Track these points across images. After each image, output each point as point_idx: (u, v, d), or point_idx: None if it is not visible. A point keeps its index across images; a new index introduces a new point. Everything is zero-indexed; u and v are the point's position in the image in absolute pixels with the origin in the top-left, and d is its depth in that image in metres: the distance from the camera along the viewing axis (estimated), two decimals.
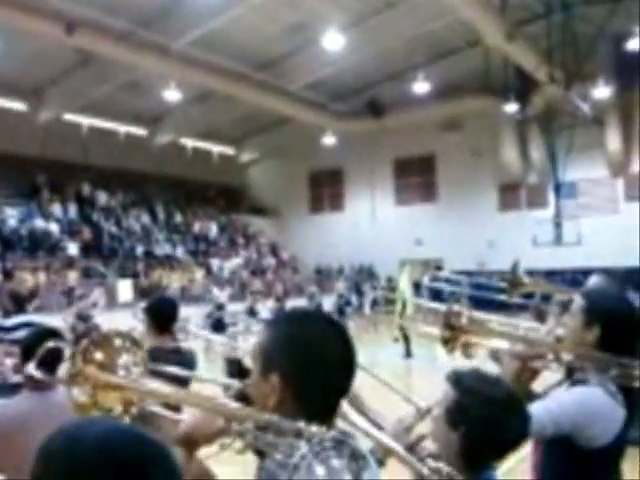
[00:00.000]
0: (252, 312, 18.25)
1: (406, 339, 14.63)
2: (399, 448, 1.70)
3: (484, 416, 1.71)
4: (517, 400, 1.80)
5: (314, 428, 1.25)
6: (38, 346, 3.06)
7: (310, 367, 1.38)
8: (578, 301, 2.42)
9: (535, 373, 2.41)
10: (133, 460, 0.87)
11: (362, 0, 19.60)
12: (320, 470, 1.07)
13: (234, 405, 1.46)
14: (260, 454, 1.78)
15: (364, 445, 1.63)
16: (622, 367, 2.25)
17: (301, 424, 1.27)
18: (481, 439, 1.73)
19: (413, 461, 1.63)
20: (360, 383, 2.56)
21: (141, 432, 0.94)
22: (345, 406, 1.83)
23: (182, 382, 2.51)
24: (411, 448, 1.80)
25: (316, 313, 1.58)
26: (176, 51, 20.25)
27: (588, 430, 2.19)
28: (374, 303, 25.38)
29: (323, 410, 1.39)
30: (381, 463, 1.82)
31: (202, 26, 19.25)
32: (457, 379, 1.84)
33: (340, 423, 1.60)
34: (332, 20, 19.05)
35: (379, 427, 1.91)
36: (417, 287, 21.92)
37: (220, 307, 15.77)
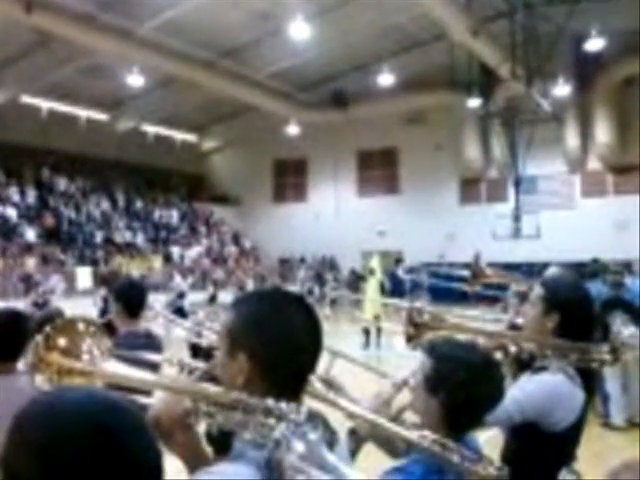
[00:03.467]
0: (213, 300, 18.22)
1: (378, 330, 14.31)
2: (382, 420, 1.72)
3: (462, 380, 1.77)
4: (492, 362, 1.88)
5: (284, 405, 1.26)
6: (3, 328, 3.02)
7: (277, 345, 1.39)
8: (537, 290, 2.49)
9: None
10: (112, 423, 0.87)
11: None
12: (300, 446, 1.09)
13: (202, 385, 1.47)
14: (216, 447, 1.78)
15: (341, 428, 1.66)
16: (580, 352, 2.34)
17: (270, 402, 1.27)
18: (461, 402, 1.78)
19: (399, 430, 1.65)
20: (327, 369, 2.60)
21: (119, 399, 0.95)
22: (323, 386, 1.86)
23: (154, 366, 2.52)
24: (393, 420, 1.84)
25: (282, 292, 1.56)
26: (140, 36, 19.95)
27: (552, 416, 2.28)
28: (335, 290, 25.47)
29: (291, 388, 1.40)
30: (362, 442, 1.87)
31: (167, 11, 19.02)
32: (433, 348, 1.91)
33: (318, 404, 1.63)
34: (298, 10, 18.96)
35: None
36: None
37: (181, 295, 15.64)
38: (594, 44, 20.28)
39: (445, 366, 1.81)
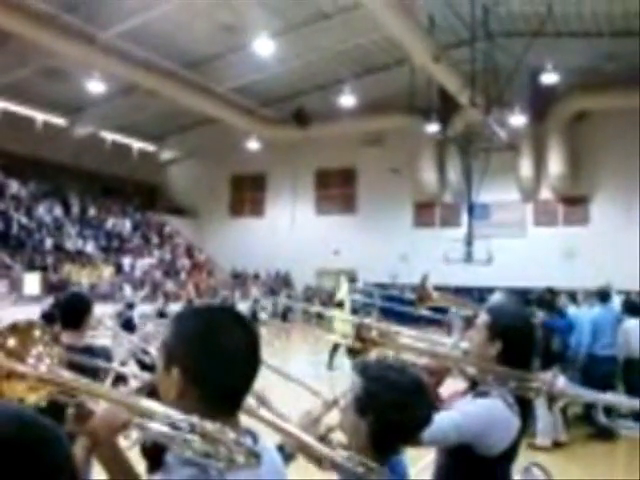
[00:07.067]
0: (162, 314, 17.94)
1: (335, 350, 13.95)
2: (309, 439, 1.72)
3: (391, 402, 1.76)
4: (422, 386, 1.85)
5: (208, 425, 1.27)
6: None
7: (210, 361, 1.39)
8: (483, 317, 2.55)
9: (439, 381, 2.54)
10: (15, 437, 0.86)
11: (295, 9, 19.70)
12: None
13: (134, 397, 1.47)
14: (151, 461, 1.77)
15: (272, 441, 1.67)
16: (520, 380, 2.42)
17: (195, 419, 1.28)
18: (389, 424, 1.77)
19: (324, 450, 1.65)
20: (269, 385, 2.60)
21: (28, 413, 0.95)
22: (252, 402, 1.85)
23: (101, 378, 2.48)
24: (321, 439, 1.82)
25: (220, 309, 1.57)
26: (103, 41, 19.73)
27: (486, 439, 2.34)
28: (288, 310, 25.45)
29: (225, 405, 1.41)
30: (290, 457, 1.83)
31: (132, 19, 18.87)
32: (364, 368, 1.88)
33: (248, 419, 1.63)
34: (264, 26, 19.07)
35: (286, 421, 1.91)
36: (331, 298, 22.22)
37: (130, 306, 15.39)
38: (549, 78, 20.90)
39: (375, 387, 1.80)
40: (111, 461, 1.54)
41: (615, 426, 7.86)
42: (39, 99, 24.77)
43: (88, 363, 2.21)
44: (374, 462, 1.69)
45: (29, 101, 24.97)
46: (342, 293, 14.93)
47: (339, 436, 1.90)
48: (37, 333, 1.58)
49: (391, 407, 1.76)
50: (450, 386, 2.66)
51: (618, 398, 2.70)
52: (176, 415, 1.32)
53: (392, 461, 1.86)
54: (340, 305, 14.24)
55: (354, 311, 14.01)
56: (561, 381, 2.49)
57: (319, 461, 1.67)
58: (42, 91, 23.96)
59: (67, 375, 1.57)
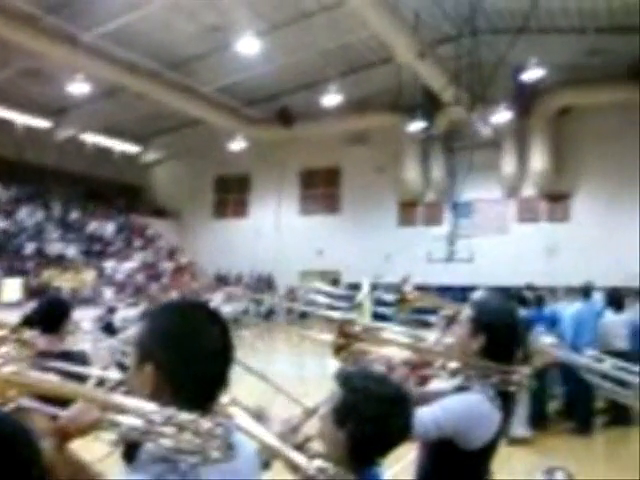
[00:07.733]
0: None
1: None
2: (284, 448, 1.69)
3: (370, 414, 1.73)
4: (403, 397, 1.82)
5: (183, 415, 1.25)
6: None
7: (183, 357, 1.39)
8: (467, 311, 2.57)
9: (425, 379, 2.54)
10: None
11: (279, 8, 19.66)
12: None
13: (106, 394, 1.45)
14: (128, 459, 1.75)
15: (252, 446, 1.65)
16: (502, 374, 2.42)
17: (170, 411, 1.27)
18: (368, 436, 1.74)
19: (298, 460, 1.62)
20: (252, 388, 2.58)
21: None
22: (232, 408, 1.83)
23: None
24: (298, 448, 1.79)
25: (194, 304, 1.57)
26: (85, 42, 19.57)
27: (468, 434, 2.34)
28: (270, 312, 25.43)
29: (198, 400, 1.39)
30: (266, 465, 1.79)
31: (115, 19, 18.73)
32: (345, 378, 1.85)
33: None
34: (248, 25, 18.99)
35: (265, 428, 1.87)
36: None
37: (112, 310, 15.34)
38: (533, 74, 20.96)
39: (355, 398, 1.77)
40: (63, 462, 1.50)
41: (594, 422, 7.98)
42: (21, 101, 24.52)
43: (62, 369, 2.18)
44: (351, 473, 1.67)
45: (10, 103, 24.71)
46: (361, 295, 14.86)
47: (318, 445, 1.87)
48: (4, 333, 1.55)
49: (370, 420, 1.74)
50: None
51: (613, 369, 2.72)
52: (149, 407, 1.30)
53: (369, 473, 1.83)
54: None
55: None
56: (549, 339, 2.50)
57: (295, 469, 1.65)
58: (24, 93, 23.73)
59: (35, 375, 1.54)
